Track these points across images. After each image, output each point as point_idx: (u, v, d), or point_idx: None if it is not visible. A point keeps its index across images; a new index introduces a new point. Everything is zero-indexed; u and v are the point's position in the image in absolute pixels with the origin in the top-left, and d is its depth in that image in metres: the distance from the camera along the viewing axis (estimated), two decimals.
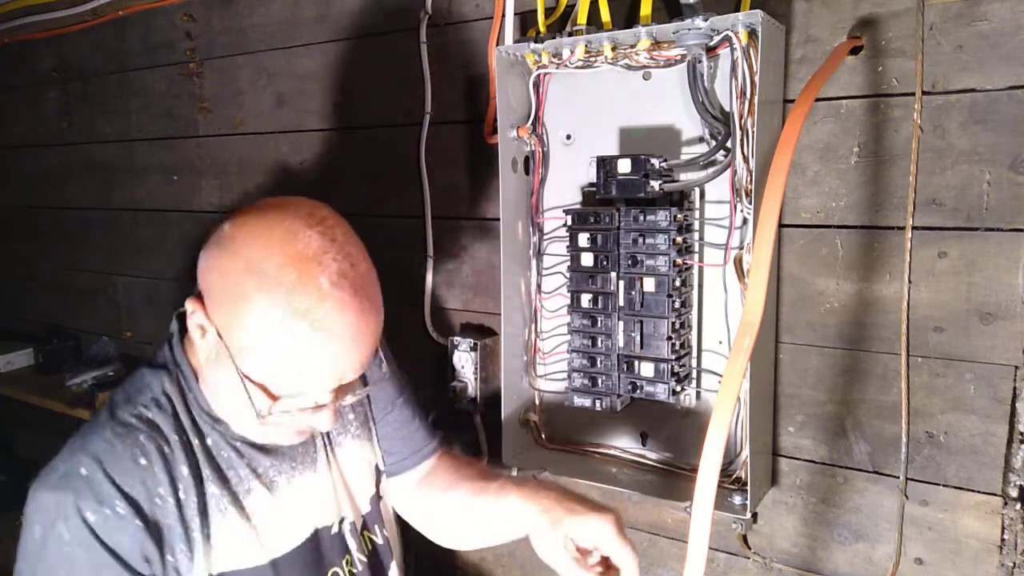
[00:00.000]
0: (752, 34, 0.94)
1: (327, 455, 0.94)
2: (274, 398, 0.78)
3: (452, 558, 1.44)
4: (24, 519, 0.78)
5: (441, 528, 1.03)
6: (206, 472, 0.84)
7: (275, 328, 0.73)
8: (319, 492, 0.92)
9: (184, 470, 0.82)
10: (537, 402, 1.24)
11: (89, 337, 2.11)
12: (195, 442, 0.84)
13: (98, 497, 0.76)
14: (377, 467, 1.02)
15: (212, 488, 0.84)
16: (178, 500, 0.81)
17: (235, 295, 0.74)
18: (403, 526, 1.09)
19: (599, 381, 1.09)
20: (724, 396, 0.70)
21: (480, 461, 1.13)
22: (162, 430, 0.82)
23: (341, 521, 0.95)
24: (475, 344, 1.31)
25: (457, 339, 1.33)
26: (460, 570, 1.44)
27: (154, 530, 0.78)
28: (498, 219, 1.13)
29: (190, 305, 0.79)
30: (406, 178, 1.40)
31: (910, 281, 0.97)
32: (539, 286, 1.20)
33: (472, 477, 1.01)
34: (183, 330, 0.87)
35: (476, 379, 1.32)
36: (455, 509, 1.00)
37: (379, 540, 1.00)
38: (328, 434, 0.95)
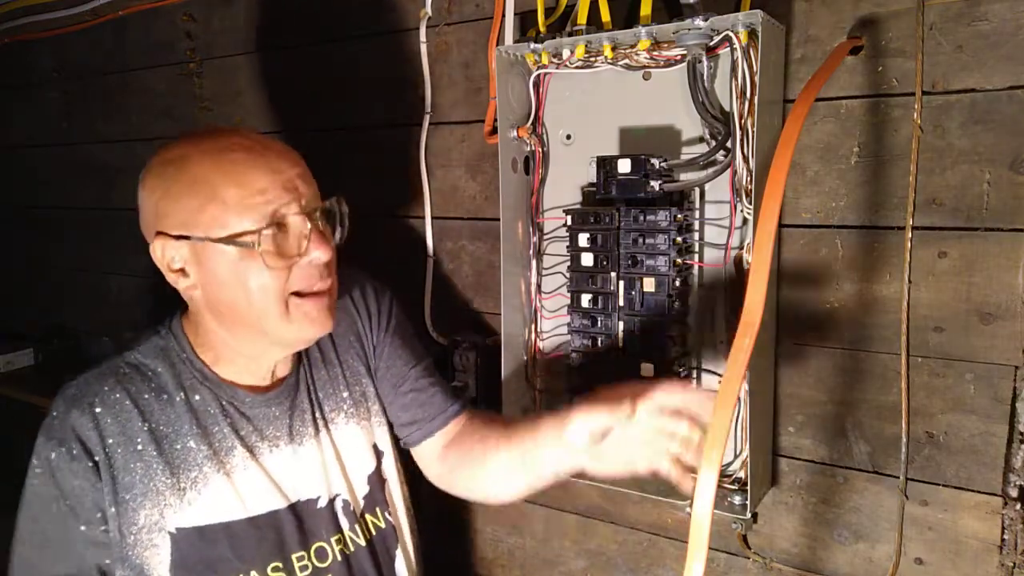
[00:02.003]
0: (752, 34, 0.94)
1: (317, 431, 0.97)
2: (255, 232, 0.82)
3: (456, 554, 1.44)
4: None
5: (481, 483, 1.01)
6: (185, 427, 0.89)
7: (214, 166, 0.82)
8: (305, 466, 0.95)
9: (159, 420, 0.88)
10: (537, 402, 1.24)
11: (89, 337, 2.11)
12: (178, 397, 0.90)
13: (59, 437, 0.86)
14: (376, 447, 1.03)
15: (190, 442, 0.89)
16: (142, 448, 0.87)
17: (170, 187, 0.84)
18: (416, 514, 1.09)
19: (599, 381, 1.09)
20: (724, 397, 0.70)
21: (503, 417, 1.11)
22: (141, 379, 0.89)
23: (334, 498, 0.97)
24: (475, 344, 1.31)
25: (457, 339, 1.33)
26: (461, 568, 1.44)
27: (107, 473, 0.85)
28: (498, 219, 1.13)
29: (156, 244, 0.85)
30: (406, 178, 1.40)
31: (910, 281, 0.97)
32: (539, 286, 1.20)
33: (499, 427, 1.01)
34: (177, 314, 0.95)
35: (476, 379, 1.32)
36: (490, 460, 0.98)
37: (382, 524, 1.02)
38: (322, 411, 0.99)
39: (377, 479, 1.03)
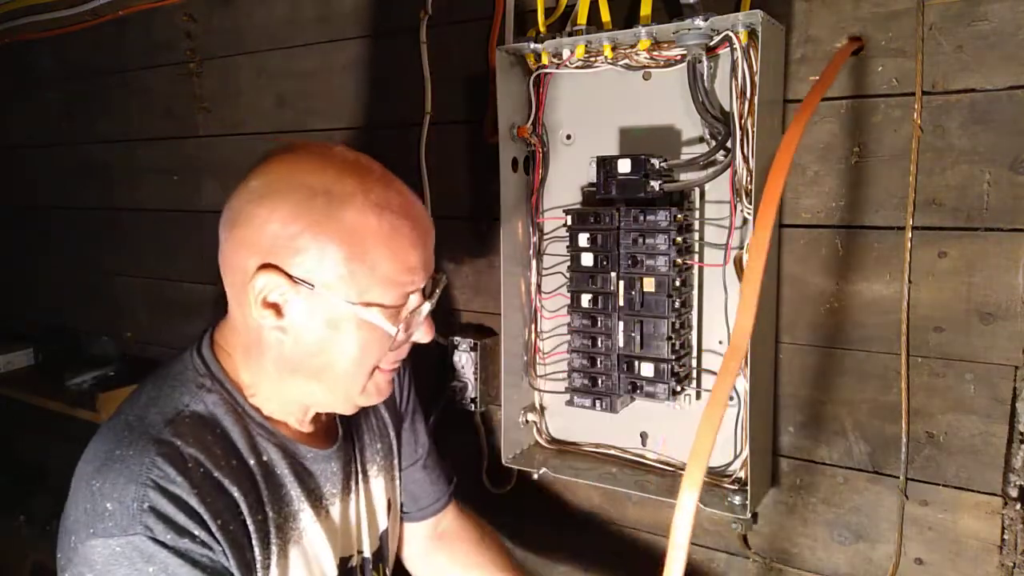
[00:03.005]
0: (752, 34, 0.94)
1: (357, 484, 0.91)
2: (391, 307, 0.75)
3: None
4: None
5: None
6: (263, 494, 0.77)
7: (374, 225, 0.72)
8: (347, 522, 0.89)
9: (239, 491, 0.75)
10: (537, 402, 1.24)
11: (89, 337, 2.11)
12: (250, 460, 0.78)
13: (176, 527, 0.68)
14: (390, 501, 0.99)
15: (269, 510, 0.78)
16: (239, 522, 0.74)
17: (312, 226, 0.71)
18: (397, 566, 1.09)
19: (599, 381, 1.09)
20: (709, 417, 0.66)
21: (490, 532, 1.15)
22: (212, 451, 0.74)
23: (359, 553, 0.91)
24: (475, 344, 1.31)
25: (457, 339, 1.33)
26: None
27: (232, 553, 0.72)
28: (498, 219, 1.13)
29: (263, 276, 0.71)
30: (406, 178, 1.39)
31: (910, 281, 0.97)
32: (539, 286, 1.20)
33: (484, 551, 1.07)
34: (204, 347, 0.82)
35: (476, 379, 1.32)
36: None
37: None
38: (363, 461, 0.93)
39: (384, 534, 0.99)
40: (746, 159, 0.97)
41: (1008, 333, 0.92)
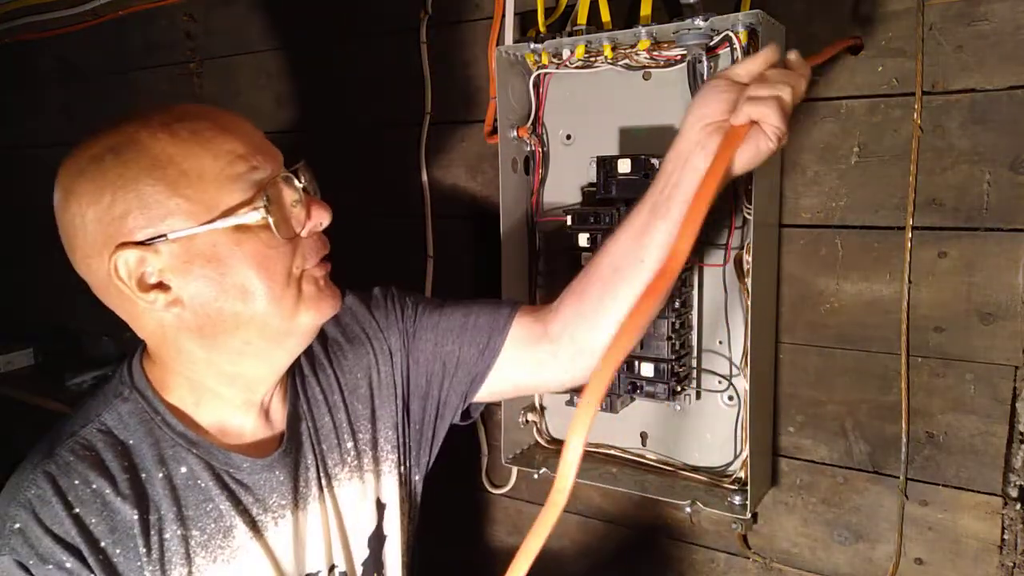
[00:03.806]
0: (752, 34, 0.94)
1: (321, 491, 0.82)
2: (249, 203, 0.68)
3: (454, 553, 1.44)
4: None
5: (621, 280, 0.79)
6: (173, 511, 0.71)
7: (169, 141, 0.67)
8: (309, 536, 0.81)
9: (143, 507, 0.70)
10: (537, 402, 1.24)
11: (89, 337, 2.11)
12: (159, 474, 0.72)
13: (39, 553, 0.65)
14: (379, 501, 0.88)
15: (178, 529, 0.71)
16: (134, 545, 0.69)
17: (115, 185, 0.66)
18: (412, 570, 0.96)
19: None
20: (625, 330, 0.58)
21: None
22: (114, 457, 0.70)
23: (331, 570, 0.83)
24: None
25: None
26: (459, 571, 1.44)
27: None
28: (498, 219, 1.13)
29: (118, 260, 0.66)
30: (406, 178, 1.40)
31: (910, 281, 0.97)
32: (539, 286, 1.20)
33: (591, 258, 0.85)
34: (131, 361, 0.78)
35: None
36: (612, 256, 0.80)
37: None
38: (325, 466, 0.83)
39: (377, 539, 0.88)
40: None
41: (1008, 333, 0.92)
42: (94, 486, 0.68)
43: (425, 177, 1.37)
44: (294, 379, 0.84)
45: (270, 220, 0.68)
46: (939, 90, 0.93)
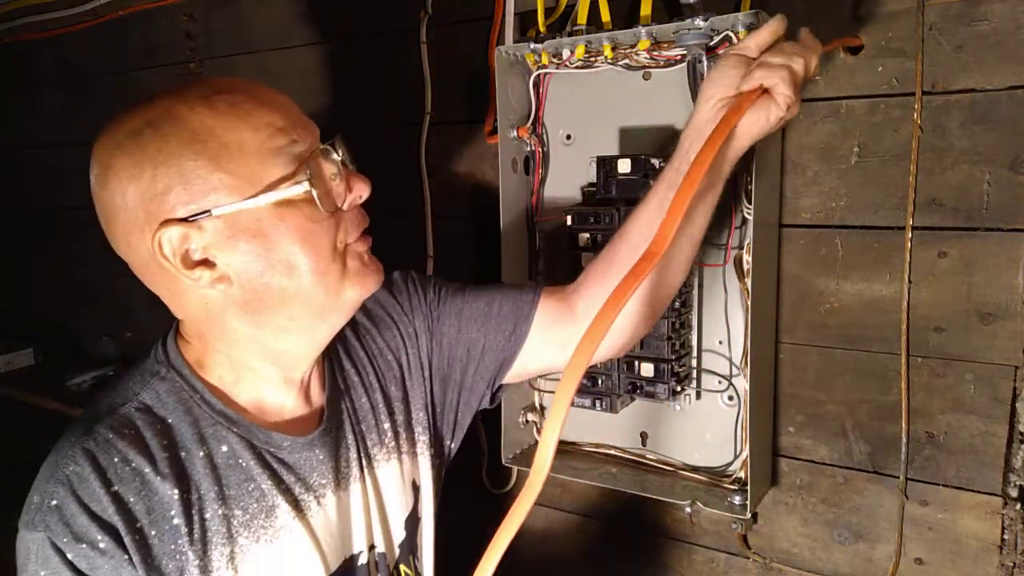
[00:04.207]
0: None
1: (361, 471, 0.82)
2: (292, 178, 0.67)
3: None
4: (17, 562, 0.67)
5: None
6: (214, 490, 0.70)
7: (208, 114, 0.66)
8: (349, 516, 0.80)
9: (184, 486, 0.69)
10: (537, 402, 1.24)
11: (89, 337, 2.11)
12: (200, 452, 0.71)
13: (74, 532, 0.64)
14: (415, 483, 0.88)
15: (220, 509, 0.70)
16: (177, 523, 0.68)
17: (155, 160, 0.64)
18: (439, 554, 0.94)
19: (599, 381, 1.09)
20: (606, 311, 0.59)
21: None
22: (153, 435, 0.69)
23: (371, 549, 0.82)
24: None
25: None
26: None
27: (148, 561, 0.66)
28: (498, 219, 1.13)
29: (162, 238, 0.65)
30: (406, 178, 1.40)
31: (910, 281, 0.97)
32: None
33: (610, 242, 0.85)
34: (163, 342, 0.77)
35: None
36: (630, 234, 0.82)
37: (412, 573, 0.88)
38: (365, 446, 0.83)
39: (412, 521, 0.87)
40: (746, 159, 0.97)
41: (1008, 333, 0.92)
42: (133, 464, 0.67)
43: (425, 177, 1.37)
44: (330, 361, 0.83)
45: (314, 193, 0.68)
46: (939, 90, 0.93)
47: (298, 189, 0.67)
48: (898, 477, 1.01)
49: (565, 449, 1.22)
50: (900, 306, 0.98)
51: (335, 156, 0.72)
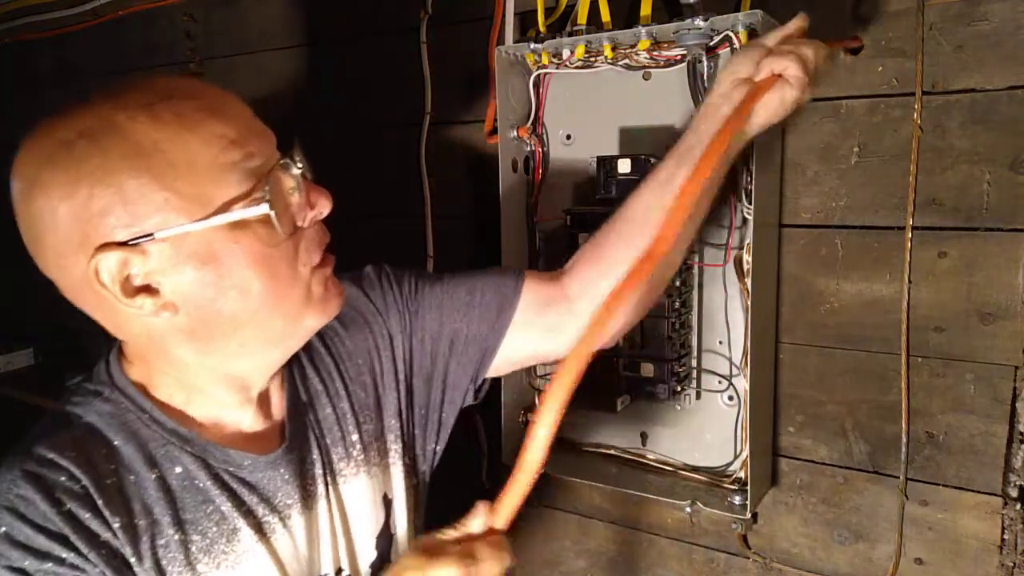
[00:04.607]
0: (752, 34, 0.94)
1: (327, 488, 0.76)
2: (247, 196, 0.61)
3: None
4: None
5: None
6: (168, 515, 0.64)
7: (151, 126, 0.59)
8: (319, 537, 0.74)
9: (131, 511, 0.63)
10: (537, 402, 1.24)
11: (89, 337, 2.10)
12: (151, 476, 0.65)
13: (33, 550, 0.59)
14: (386, 496, 0.81)
15: (176, 535, 0.65)
16: (118, 548, 0.62)
17: (92, 177, 0.58)
18: None
19: (599, 381, 1.09)
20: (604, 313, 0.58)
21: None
22: (100, 459, 0.64)
23: (338, 573, 0.76)
24: None
25: None
26: None
27: (116, 570, 0.61)
28: (498, 219, 1.13)
29: (99, 263, 0.59)
30: (406, 178, 1.40)
31: (910, 281, 0.97)
32: None
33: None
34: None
35: None
36: (631, 214, 0.81)
37: None
38: (330, 461, 0.77)
39: (386, 538, 0.81)
40: (746, 159, 0.97)
41: (1008, 333, 0.92)
42: (81, 483, 0.61)
43: (425, 177, 1.37)
44: (291, 370, 0.77)
45: (272, 215, 0.61)
46: (939, 90, 0.93)
47: (255, 210, 0.61)
48: (898, 477, 1.00)
49: (565, 449, 1.22)
50: (900, 306, 0.98)
51: (294, 169, 0.65)
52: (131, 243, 0.59)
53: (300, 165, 0.66)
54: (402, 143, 1.39)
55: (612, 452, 1.18)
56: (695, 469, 1.11)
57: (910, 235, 0.96)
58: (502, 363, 0.86)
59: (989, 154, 0.91)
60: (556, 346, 0.85)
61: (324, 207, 0.68)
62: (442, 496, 1.07)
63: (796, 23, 0.81)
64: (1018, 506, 0.94)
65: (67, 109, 0.62)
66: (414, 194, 1.39)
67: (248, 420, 0.73)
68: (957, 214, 0.94)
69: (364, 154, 1.47)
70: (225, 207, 0.60)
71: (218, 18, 1.65)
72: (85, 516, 0.61)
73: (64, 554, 0.59)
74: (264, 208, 0.61)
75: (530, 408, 1.23)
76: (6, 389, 2.08)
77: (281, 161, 0.65)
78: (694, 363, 1.09)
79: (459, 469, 1.16)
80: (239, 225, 0.61)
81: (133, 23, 1.81)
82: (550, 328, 0.83)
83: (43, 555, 0.58)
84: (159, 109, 0.60)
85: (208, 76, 1.70)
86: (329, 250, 0.70)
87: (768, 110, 0.77)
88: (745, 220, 1.00)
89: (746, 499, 1.01)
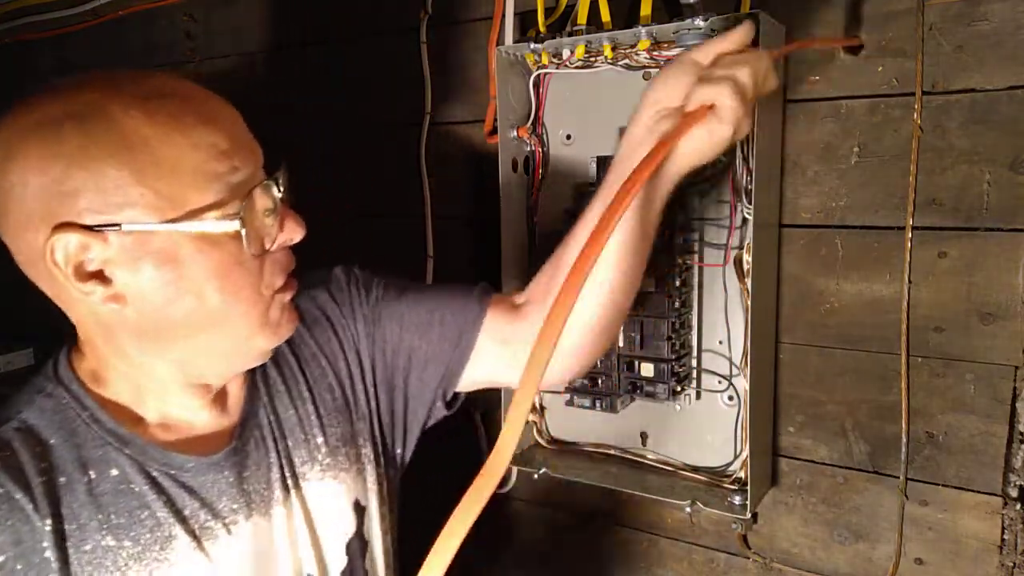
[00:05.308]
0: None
1: (287, 493, 0.73)
2: (222, 208, 0.60)
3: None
4: None
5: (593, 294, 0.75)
6: (96, 518, 0.62)
7: (144, 120, 0.58)
8: (269, 546, 0.71)
9: (60, 514, 0.61)
10: (537, 402, 1.24)
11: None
12: (82, 478, 0.63)
13: None
14: (358, 503, 0.79)
15: (106, 539, 0.62)
16: (48, 556, 0.60)
17: (73, 158, 0.57)
18: (398, 568, 0.88)
19: (599, 381, 1.09)
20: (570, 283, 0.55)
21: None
22: (29, 459, 0.62)
23: None
24: None
25: None
26: None
27: None
28: (498, 219, 1.13)
29: (56, 241, 0.58)
30: (406, 178, 1.40)
31: (910, 281, 0.97)
32: None
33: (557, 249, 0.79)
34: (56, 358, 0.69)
35: None
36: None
37: None
38: (291, 465, 0.74)
39: (359, 544, 0.79)
40: (746, 159, 0.97)
41: (1008, 333, 0.92)
42: (3, 488, 0.59)
43: (425, 177, 1.37)
44: (253, 371, 0.75)
45: (243, 234, 0.61)
46: (939, 90, 0.93)
47: (226, 225, 0.61)
48: (898, 477, 1.01)
49: (565, 449, 1.22)
50: (900, 306, 0.98)
51: (275, 192, 0.65)
52: (95, 228, 0.58)
53: (282, 189, 0.66)
54: (402, 143, 1.39)
55: (612, 452, 1.18)
56: (695, 469, 1.11)
57: (910, 235, 0.96)
58: (472, 382, 0.85)
59: (989, 154, 0.91)
60: (514, 376, 0.81)
61: (296, 234, 0.67)
62: (443, 496, 1.07)
63: (737, 36, 0.70)
64: (1018, 506, 0.94)
65: (59, 87, 0.61)
66: (414, 194, 1.39)
67: (203, 419, 0.71)
68: (957, 214, 0.94)
69: (364, 154, 1.47)
70: (196, 213, 0.60)
71: (218, 18, 1.65)
72: (15, 532, 0.59)
73: None
74: (235, 224, 0.61)
75: (530, 408, 1.23)
76: (6, 389, 2.08)
77: (264, 181, 0.64)
78: (694, 363, 1.09)
79: (459, 469, 1.16)
80: (207, 235, 0.61)
81: (133, 23, 1.81)
82: (511, 358, 0.81)
83: None
84: (154, 106, 0.60)
85: (208, 76, 1.70)
86: (293, 275, 0.70)
87: (695, 151, 0.67)
88: (745, 220, 1.00)
89: (746, 499, 1.01)
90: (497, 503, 1.34)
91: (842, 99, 0.99)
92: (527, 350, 0.75)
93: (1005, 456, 0.94)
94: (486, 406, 1.35)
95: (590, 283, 0.67)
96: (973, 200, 0.93)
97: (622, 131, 1.10)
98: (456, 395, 0.87)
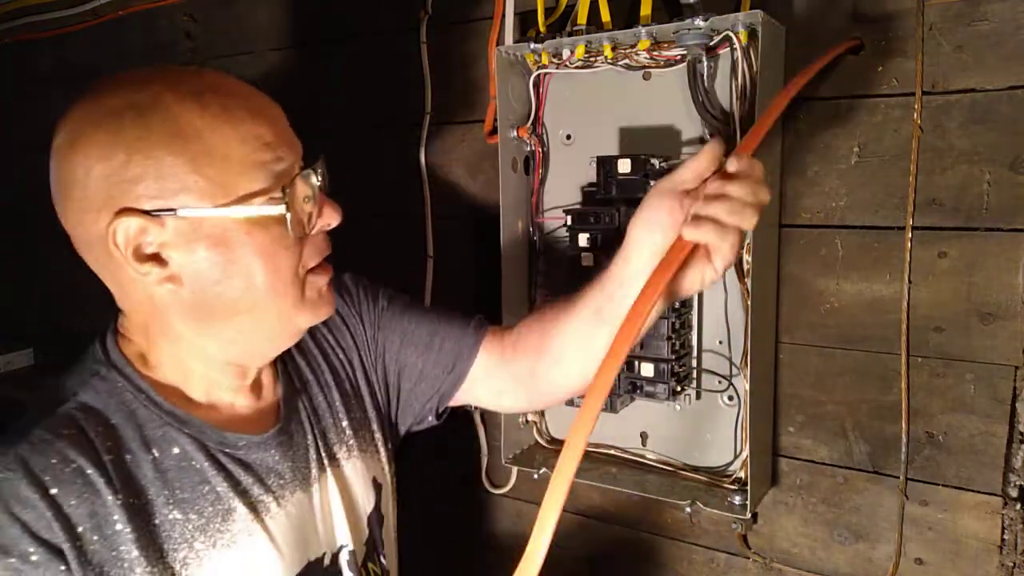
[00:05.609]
0: (752, 34, 0.94)
1: (322, 471, 0.80)
2: (268, 194, 0.66)
3: (451, 552, 1.44)
4: None
5: (561, 364, 0.83)
6: (163, 494, 0.67)
7: (198, 113, 0.64)
8: (310, 519, 0.77)
9: (130, 489, 0.65)
10: None
11: (89, 337, 2.11)
12: (148, 456, 0.67)
13: (2, 545, 0.59)
14: (375, 480, 0.87)
15: (173, 513, 0.67)
16: (120, 528, 0.63)
17: (133, 147, 0.62)
18: (400, 547, 0.96)
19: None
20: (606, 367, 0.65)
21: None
22: (97, 436, 0.66)
23: (338, 551, 0.80)
24: None
25: None
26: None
27: (89, 568, 0.61)
28: (498, 219, 1.13)
29: (118, 226, 0.63)
30: (406, 178, 1.40)
31: (910, 281, 0.97)
32: (539, 286, 1.20)
33: (549, 309, 0.86)
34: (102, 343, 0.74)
35: None
36: (564, 334, 0.82)
37: (379, 571, 0.86)
38: (326, 445, 0.81)
39: (377, 518, 0.86)
40: None
41: (1008, 333, 0.92)
42: (75, 464, 0.63)
43: (425, 177, 1.37)
44: (283, 361, 0.82)
45: (287, 217, 0.66)
46: (939, 90, 0.93)
47: (272, 209, 0.66)
48: (898, 477, 1.01)
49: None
50: (900, 306, 0.98)
51: (314, 180, 0.71)
52: (153, 213, 0.63)
53: (320, 178, 0.72)
54: (402, 143, 1.39)
55: (612, 452, 1.18)
56: (695, 469, 1.11)
57: (910, 235, 0.96)
58: (457, 402, 0.94)
59: (989, 154, 0.91)
60: (497, 405, 0.95)
61: (333, 219, 0.73)
62: (443, 496, 1.08)
63: (709, 154, 0.71)
64: (1018, 506, 0.94)
65: (120, 80, 0.66)
66: (414, 194, 1.39)
67: (240, 402, 0.76)
68: (957, 214, 0.94)
69: (364, 154, 1.47)
70: (245, 199, 0.65)
71: (218, 18, 1.65)
72: (71, 503, 0.62)
73: (33, 552, 0.60)
74: (280, 208, 0.66)
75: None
76: (6, 389, 2.08)
77: (304, 171, 0.70)
78: (694, 363, 1.09)
79: (459, 469, 1.16)
80: (255, 219, 0.66)
81: (133, 23, 1.81)
82: (497, 390, 0.91)
83: (8, 549, 0.59)
84: (208, 99, 0.65)
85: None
86: (329, 260, 0.75)
87: (685, 285, 0.71)
88: None
89: (746, 499, 1.01)
90: (497, 503, 1.34)
91: (842, 99, 0.99)
92: (510, 385, 0.87)
93: (1005, 456, 0.94)
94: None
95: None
96: (973, 200, 0.93)
97: (622, 131, 1.11)
98: (447, 409, 0.95)
